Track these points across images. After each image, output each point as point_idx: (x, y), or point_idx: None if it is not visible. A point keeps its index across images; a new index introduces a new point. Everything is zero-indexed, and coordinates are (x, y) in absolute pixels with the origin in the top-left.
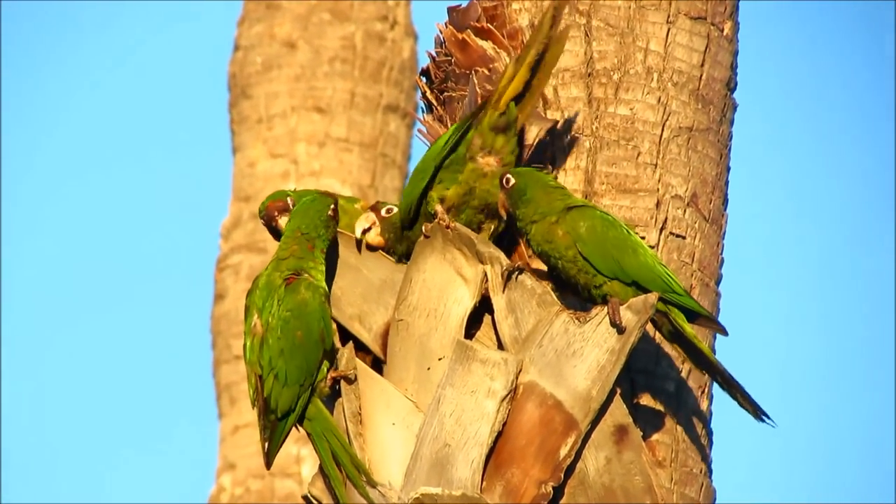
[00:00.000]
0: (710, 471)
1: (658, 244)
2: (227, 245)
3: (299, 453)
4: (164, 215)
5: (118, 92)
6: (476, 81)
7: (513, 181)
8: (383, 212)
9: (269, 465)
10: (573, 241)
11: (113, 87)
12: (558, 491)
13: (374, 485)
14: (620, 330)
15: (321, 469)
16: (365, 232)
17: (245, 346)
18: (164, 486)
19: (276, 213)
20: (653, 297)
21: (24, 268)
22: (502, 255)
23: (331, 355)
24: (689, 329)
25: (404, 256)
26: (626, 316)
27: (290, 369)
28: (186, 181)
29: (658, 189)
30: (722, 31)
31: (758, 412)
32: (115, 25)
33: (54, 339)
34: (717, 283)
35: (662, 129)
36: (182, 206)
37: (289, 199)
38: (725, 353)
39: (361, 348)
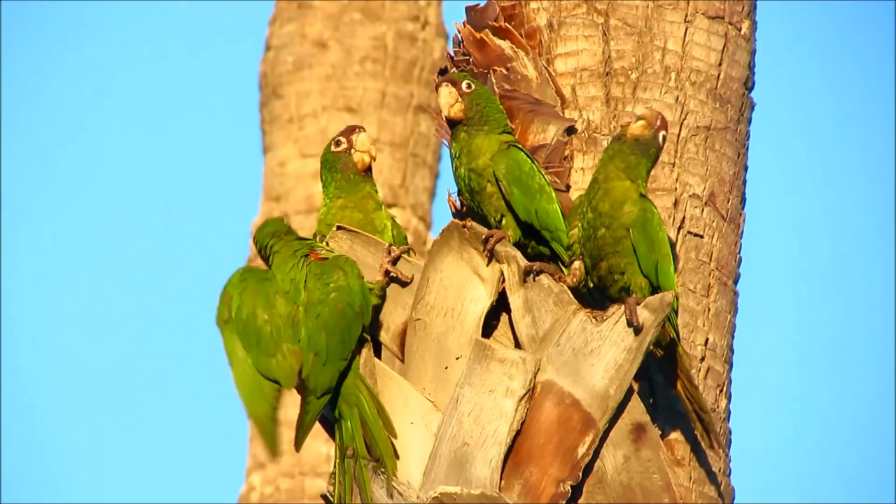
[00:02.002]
0: (728, 469)
1: (676, 243)
2: None
3: (329, 452)
4: (195, 215)
5: (150, 91)
6: (494, 81)
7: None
8: (464, 86)
9: (298, 446)
10: (629, 224)
11: (144, 86)
12: (576, 489)
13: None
14: (637, 329)
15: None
16: (451, 107)
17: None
18: (194, 485)
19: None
20: (669, 296)
21: (55, 268)
22: (519, 255)
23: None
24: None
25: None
26: (643, 315)
27: (332, 345)
28: (217, 181)
29: (676, 188)
30: (740, 30)
31: (712, 441)
32: (147, 25)
33: (85, 336)
34: (735, 282)
35: (680, 129)
36: (212, 205)
37: None
38: (743, 352)
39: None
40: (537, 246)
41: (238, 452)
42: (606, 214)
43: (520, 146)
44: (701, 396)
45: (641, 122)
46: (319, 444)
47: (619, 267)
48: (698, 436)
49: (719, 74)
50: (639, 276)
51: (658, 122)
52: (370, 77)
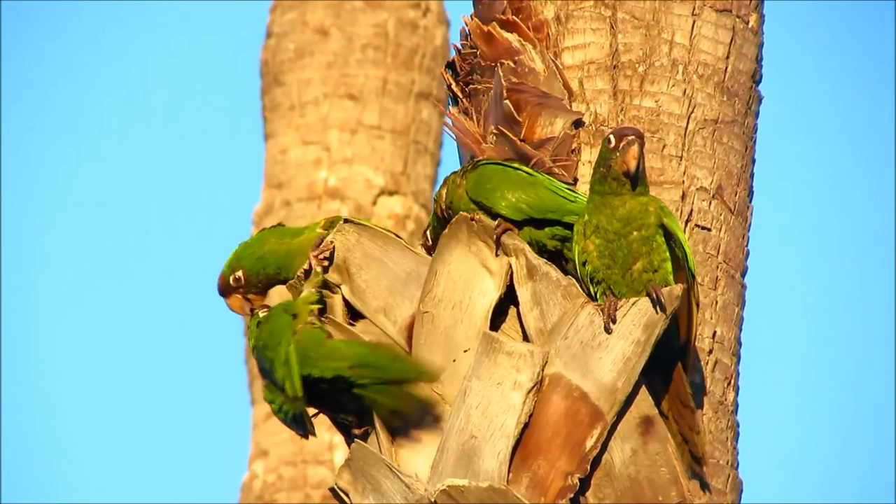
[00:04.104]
0: (736, 462)
1: None
2: None
3: (332, 440)
4: (197, 202)
5: (151, 79)
6: (501, 74)
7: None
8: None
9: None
10: (658, 220)
11: (145, 74)
12: (584, 482)
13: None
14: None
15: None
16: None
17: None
18: (197, 474)
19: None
20: (678, 289)
21: (56, 258)
22: (527, 248)
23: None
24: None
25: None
26: (651, 309)
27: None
28: (218, 168)
29: (683, 181)
30: (747, 23)
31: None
32: (149, 13)
33: (85, 327)
34: (743, 275)
35: (688, 122)
36: (214, 192)
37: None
38: (751, 345)
39: None
40: (552, 231)
41: (241, 440)
42: (636, 217)
43: (486, 161)
44: (693, 417)
45: (625, 168)
46: (322, 433)
47: (653, 265)
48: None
49: (727, 68)
50: (670, 274)
51: (636, 148)
52: (371, 64)
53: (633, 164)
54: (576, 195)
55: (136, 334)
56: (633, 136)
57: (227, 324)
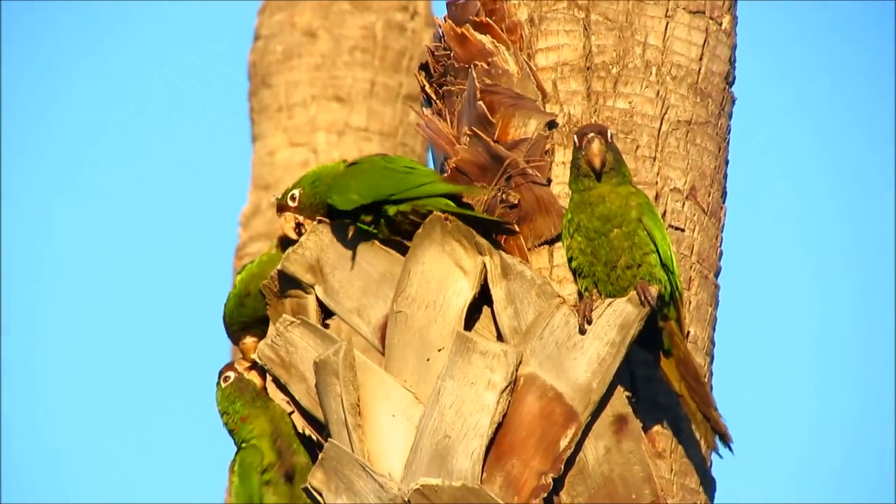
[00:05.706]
0: (710, 461)
1: None
2: (247, 233)
3: None
4: (184, 203)
5: (140, 80)
6: (475, 75)
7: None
8: (290, 202)
9: None
10: (639, 213)
11: (134, 75)
12: (557, 481)
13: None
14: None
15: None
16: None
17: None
18: (186, 477)
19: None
20: (653, 290)
21: (45, 259)
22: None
23: None
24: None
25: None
26: (627, 309)
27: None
28: (206, 169)
29: (657, 182)
30: (720, 25)
31: (719, 438)
32: (137, 14)
33: (79, 329)
34: (716, 275)
35: (661, 123)
36: (201, 194)
37: None
38: (724, 346)
39: None
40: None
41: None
42: (616, 214)
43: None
44: (708, 394)
45: (592, 161)
46: None
47: (636, 259)
48: (700, 438)
49: (700, 69)
50: (655, 267)
51: (595, 144)
52: (359, 67)
53: (596, 161)
54: (423, 171)
55: (125, 336)
56: (592, 133)
57: (217, 326)
